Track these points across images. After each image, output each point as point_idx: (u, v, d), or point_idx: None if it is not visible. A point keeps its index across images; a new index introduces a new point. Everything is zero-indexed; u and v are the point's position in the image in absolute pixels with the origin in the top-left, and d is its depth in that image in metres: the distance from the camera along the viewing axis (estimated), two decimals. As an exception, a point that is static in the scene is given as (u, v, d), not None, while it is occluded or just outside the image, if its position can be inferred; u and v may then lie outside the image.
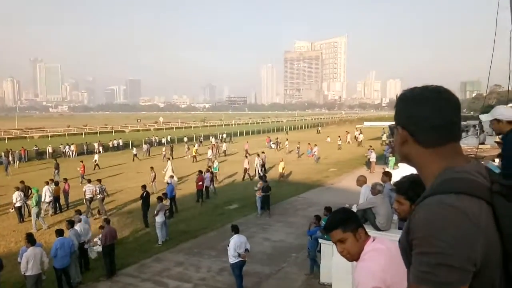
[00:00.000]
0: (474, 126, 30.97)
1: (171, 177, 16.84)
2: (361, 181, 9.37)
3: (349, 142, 41.57)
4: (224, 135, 51.21)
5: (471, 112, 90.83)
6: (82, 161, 24.04)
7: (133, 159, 31.86)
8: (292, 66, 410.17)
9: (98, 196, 15.54)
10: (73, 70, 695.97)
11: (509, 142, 3.64)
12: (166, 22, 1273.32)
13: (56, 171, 23.74)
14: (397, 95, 1.20)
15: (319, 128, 66.56)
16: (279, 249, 11.41)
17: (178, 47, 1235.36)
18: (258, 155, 23.62)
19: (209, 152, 28.76)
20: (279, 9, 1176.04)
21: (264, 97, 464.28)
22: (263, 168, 23.16)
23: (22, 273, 8.16)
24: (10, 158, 28.94)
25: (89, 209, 15.54)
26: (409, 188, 2.30)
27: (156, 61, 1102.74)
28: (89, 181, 16.55)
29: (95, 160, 27.81)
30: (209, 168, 19.54)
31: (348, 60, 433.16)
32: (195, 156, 30.85)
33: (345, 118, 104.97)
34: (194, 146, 35.03)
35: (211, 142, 40.09)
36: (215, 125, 74.84)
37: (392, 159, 18.58)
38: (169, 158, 23.43)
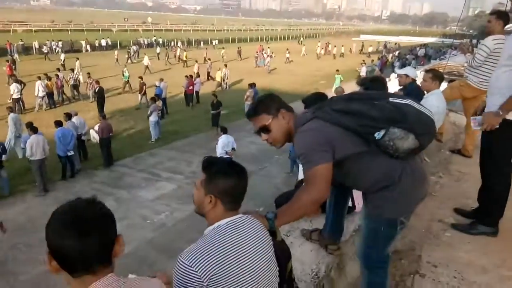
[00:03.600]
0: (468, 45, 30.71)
1: (161, 80, 16.95)
2: (339, 92, 9.87)
3: (318, 55, 41.69)
4: (216, 42, 49.65)
5: (471, 31, 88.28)
6: (8, 61, 21.98)
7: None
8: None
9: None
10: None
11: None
12: None
13: (13, 66, 22.11)
14: None
15: (302, 40, 63.97)
16: (264, 151, 12.29)
17: None
18: (226, 65, 23.07)
19: (145, 58, 26.89)
20: None
21: (259, 1, 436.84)
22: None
23: (28, 157, 8.86)
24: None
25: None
26: (314, 101, 2.72)
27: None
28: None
29: (62, 60, 26.44)
30: (198, 74, 19.72)
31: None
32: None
33: (342, 30, 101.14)
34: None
35: (178, 47, 38.62)
36: (206, 30, 71.47)
37: (338, 77, 19.13)
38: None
